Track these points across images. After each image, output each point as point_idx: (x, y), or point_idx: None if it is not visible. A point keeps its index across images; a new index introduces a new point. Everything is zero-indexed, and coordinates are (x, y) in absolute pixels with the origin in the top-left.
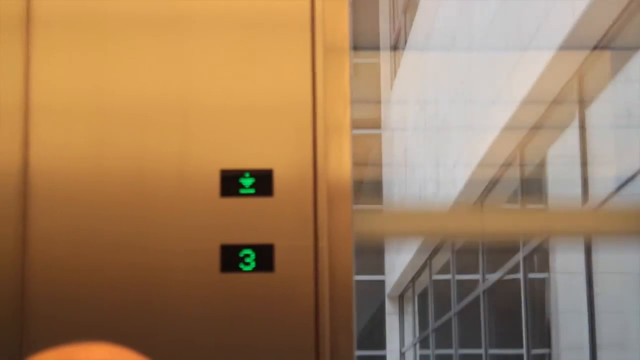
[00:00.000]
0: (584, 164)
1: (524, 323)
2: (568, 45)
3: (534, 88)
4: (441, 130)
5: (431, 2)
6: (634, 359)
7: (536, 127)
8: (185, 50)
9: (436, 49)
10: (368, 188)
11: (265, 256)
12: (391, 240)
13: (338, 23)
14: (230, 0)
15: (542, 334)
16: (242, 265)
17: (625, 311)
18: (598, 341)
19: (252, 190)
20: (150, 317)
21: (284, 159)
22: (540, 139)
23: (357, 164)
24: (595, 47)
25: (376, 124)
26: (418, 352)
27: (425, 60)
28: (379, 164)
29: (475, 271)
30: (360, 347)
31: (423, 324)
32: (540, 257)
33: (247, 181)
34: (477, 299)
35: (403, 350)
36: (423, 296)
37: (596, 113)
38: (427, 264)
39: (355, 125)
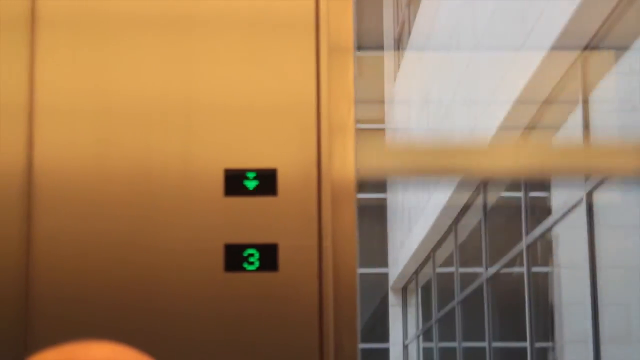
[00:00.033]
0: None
1: (527, 315)
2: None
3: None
4: (444, 127)
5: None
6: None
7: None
8: (190, 50)
9: (440, 44)
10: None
11: (269, 256)
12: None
13: (342, 23)
14: (234, 0)
15: (546, 327)
16: (246, 265)
17: None
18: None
19: (255, 187)
20: (154, 316)
21: (288, 159)
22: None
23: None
24: None
25: (379, 124)
26: (421, 345)
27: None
28: None
29: (479, 264)
30: (363, 340)
31: (426, 316)
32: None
33: (251, 183)
34: (480, 291)
35: (406, 342)
36: (426, 289)
37: None
38: (430, 256)
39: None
